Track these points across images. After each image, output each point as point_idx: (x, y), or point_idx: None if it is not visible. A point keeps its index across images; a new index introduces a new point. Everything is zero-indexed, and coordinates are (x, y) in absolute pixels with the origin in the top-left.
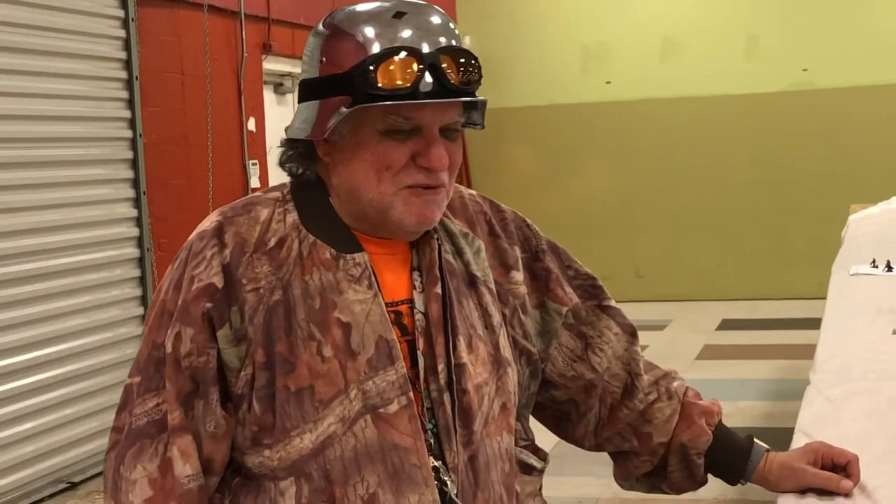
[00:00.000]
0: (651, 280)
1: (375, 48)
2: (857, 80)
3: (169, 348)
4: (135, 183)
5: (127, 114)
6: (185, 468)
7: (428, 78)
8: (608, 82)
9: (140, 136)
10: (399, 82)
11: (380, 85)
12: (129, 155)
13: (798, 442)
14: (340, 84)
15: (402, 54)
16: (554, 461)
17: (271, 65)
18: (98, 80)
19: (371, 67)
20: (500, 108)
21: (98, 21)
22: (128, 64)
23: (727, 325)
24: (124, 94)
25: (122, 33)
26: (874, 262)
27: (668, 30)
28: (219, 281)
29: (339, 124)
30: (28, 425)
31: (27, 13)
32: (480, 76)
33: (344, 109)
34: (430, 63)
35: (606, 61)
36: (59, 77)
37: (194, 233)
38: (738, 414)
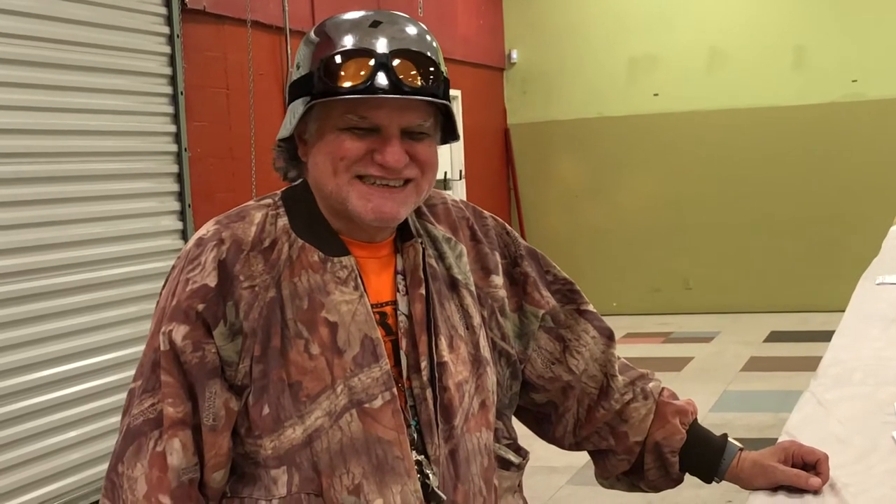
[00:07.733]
0: (700, 292)
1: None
2: None
3: (165, 346)
4: (180, 196)
5: (172, 128)
6: (181, 461)
7: (383, 78)
8: (656, 94)
9: (185, 150)
10: (350, 81)
11: (334, 83)
12: (175, 169)
13: None
14: (304, 85)
15: (356, 55)
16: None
17: None
18: (144, 95)
19: (326, 66)
20: (548, 121)
21: (144, 38)
22: (173, 79)
23: (775, 336)
24: (170, 109)
25: (167, 49)
26: None
27: (716, 41)
28: (212, 280)
29: (309, 125)
30: (75, 433)
31: (75, 31)
32: (440, 81)
33: (301, 108)
34: (381, 62)
35: (654, 73)
36: (106, 93)
37: (191, 241)
38: (779, 424)
